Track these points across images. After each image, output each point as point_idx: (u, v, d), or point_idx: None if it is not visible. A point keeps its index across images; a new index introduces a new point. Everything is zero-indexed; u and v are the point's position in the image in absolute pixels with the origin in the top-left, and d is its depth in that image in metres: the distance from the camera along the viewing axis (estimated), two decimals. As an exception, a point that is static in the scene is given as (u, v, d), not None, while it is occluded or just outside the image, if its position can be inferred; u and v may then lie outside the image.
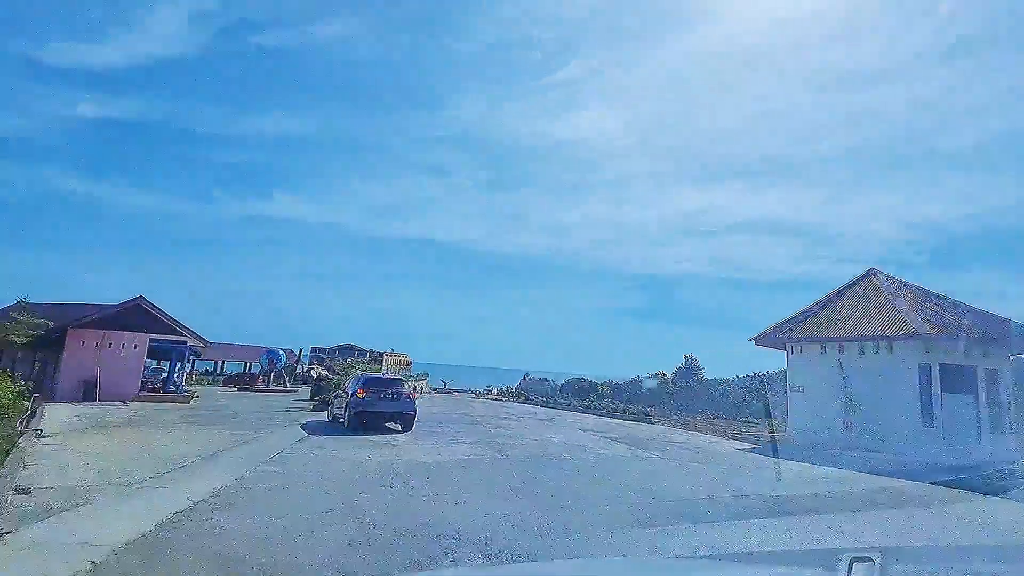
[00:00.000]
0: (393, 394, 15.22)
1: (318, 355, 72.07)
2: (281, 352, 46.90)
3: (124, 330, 23.22)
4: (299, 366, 53.63)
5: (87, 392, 21.90)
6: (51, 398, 21.51)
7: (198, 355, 32.03)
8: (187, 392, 26.17)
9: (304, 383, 46.95)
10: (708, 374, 34.57)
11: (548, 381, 48.41)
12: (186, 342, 24.77)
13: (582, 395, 36.28)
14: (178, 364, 27.30)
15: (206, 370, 50.71)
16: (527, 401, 37.00)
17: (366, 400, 14.87)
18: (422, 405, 20.60)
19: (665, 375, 36.25)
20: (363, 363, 67.08)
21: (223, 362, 57.50)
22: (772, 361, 32.95)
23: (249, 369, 54.68)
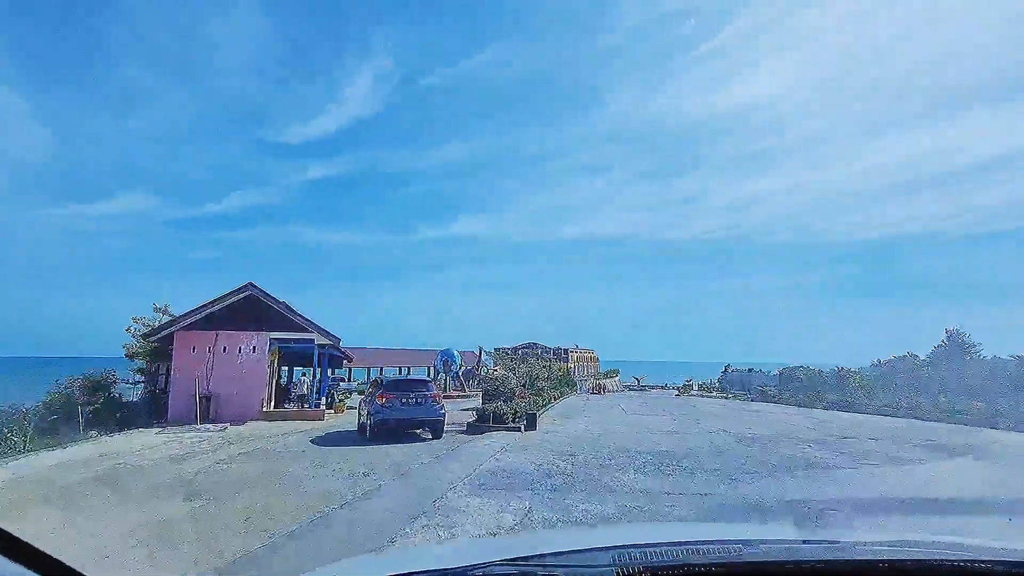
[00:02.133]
0: (418, 399, 13.68)
1: (501, 356, 67.03)
2: (457, 353, 41.55)
3: (241, 330, 18.11)
4: (480, 368, 48.07)
5: (202, 410, 17.05)
6: (164, 419, 17.05)
7: (347, 359, 26.94)
8: (322, 405, 20.45)
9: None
10: (986, 352, 26.95)
11: (756, 371, 42.17)
12: (313, 340, 18.83)
13: (802, 388, 30.47)
14: (317, 370, 21.85)
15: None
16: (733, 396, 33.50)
17: (387, 407, 13.32)
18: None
19: (917, 356, 29.75)
20: (547, 361, 59.94)
21: (408, 368, 55.72)
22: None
23: (429, 375, 51.24)
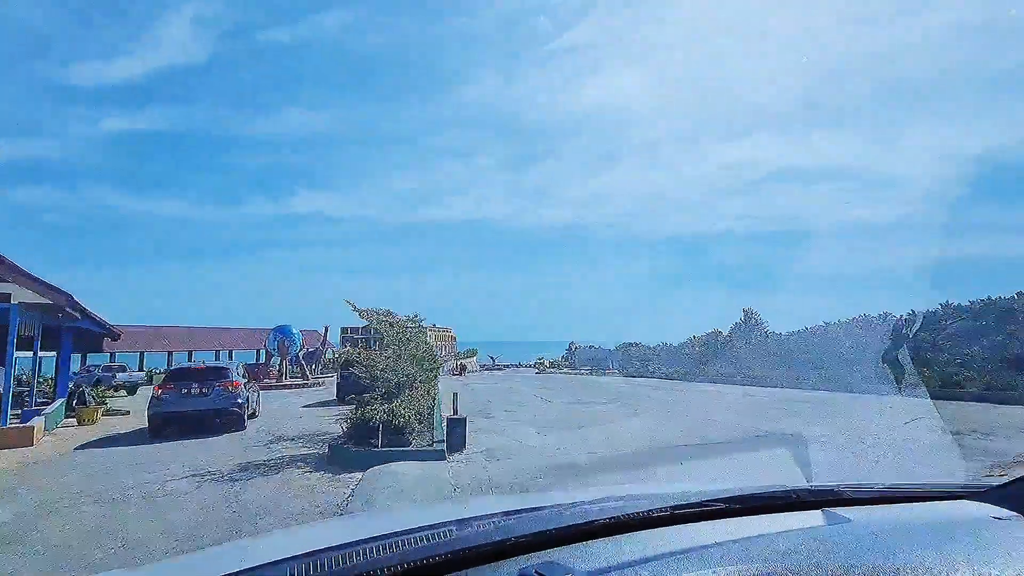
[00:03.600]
0: (204, 388, 11.71)
1: (350, 337, 57.78)
2: (296, 332, 32.71)
3: None
4: (326, 350, 39.25)
5: None
6: None
7: (109, 336, 17.35)
8: (38, 417, 11.72)
9: (335, 372, 33.84)
10: (773, 328, 32.55)
11: (596, 348, 47.09)
12: (8, 297, 10.12)
13: (634, 361, 37.77)
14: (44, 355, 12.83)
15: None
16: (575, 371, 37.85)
17: (166, 399, 11.52)
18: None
19: (720, 332, 34.97)
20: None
21: (230, 352, 44.23)
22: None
23: (261, 359, 41.31)
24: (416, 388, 10.95)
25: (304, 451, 9.23)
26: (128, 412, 15.68)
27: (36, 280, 10.03)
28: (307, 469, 7.78)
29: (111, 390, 26.58)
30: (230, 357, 43.34)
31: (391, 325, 11.59)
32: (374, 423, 8.33)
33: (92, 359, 31.23)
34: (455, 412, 9.45)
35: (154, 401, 11.46)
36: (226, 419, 11.58)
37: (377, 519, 2.30)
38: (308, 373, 31.99)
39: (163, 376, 12.18)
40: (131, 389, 26.69)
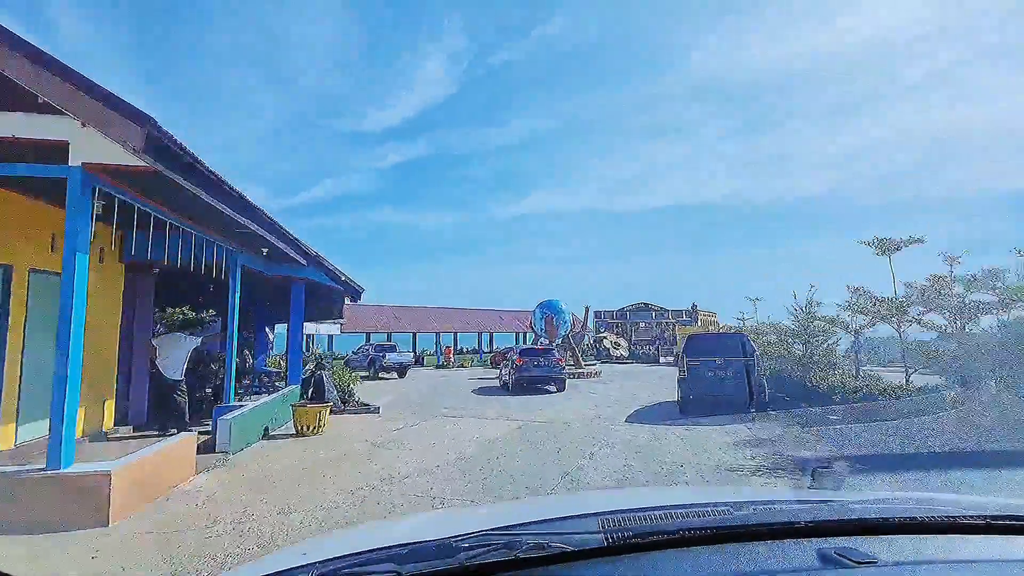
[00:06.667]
0: (546, 362, 16.18)
1: (604, 321, 51.28)
2: (564, 307, 26.83)
3: None
4: (585, 332, 32.81)
5: None
6: None
7: (349, 295, 12.53)
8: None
9: (597, 359, 30.16)
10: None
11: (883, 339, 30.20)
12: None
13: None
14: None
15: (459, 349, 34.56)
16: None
17: (524, 367, 15.92)
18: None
19: None
20: (684, 326, 46.15)
21: (491, 335, 42.01)
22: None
23: (519, 343, 37.43)
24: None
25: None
26: (379, 410, 10.82)
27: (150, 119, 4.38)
28: None
29: (382, 372, 24.74)
30: (491, 341, 40.60)
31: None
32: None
33: (356, 338, 30.69)
34: None
35: (516, 367, 15.87)
36: (559, 383, 16.02)
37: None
38: (580, 358, 25.84)
39: (518, 352, 16.81)
40: (401, 371, 24.17)
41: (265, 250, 7.74)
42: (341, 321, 30.55)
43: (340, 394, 10.68)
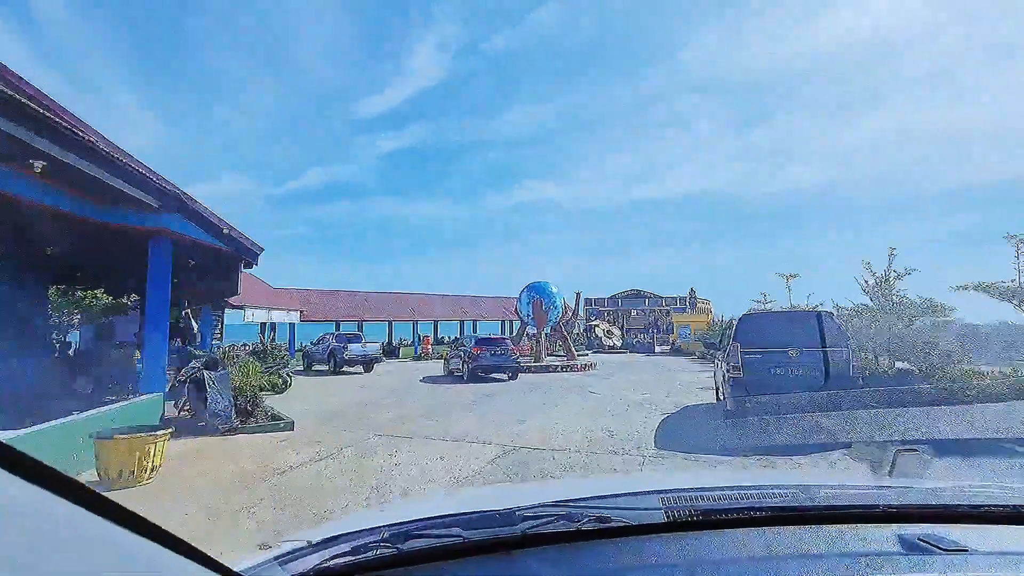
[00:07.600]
0: (500, 351, 17.06)
1: (595, 309, 48.21)
2: (555, 291, 23.61)
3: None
4: (575, 321, 29.58)
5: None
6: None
7: (248, 255, 9.27)
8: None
9: (588, 348, 30.03)
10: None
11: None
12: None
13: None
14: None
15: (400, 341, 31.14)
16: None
17: (480, 356, 16.60)
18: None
19: None
20: (680, 313, 44.26)
21: (474, 323, 38.82)
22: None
23: (505, 331, 34.30)
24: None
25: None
26: (292, 425, 7.60)
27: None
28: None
29: (344, 366, 20.97)
30: (475, 329, 37.41)
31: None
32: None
33: (320, 326, 27.16)
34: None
35: (471, 356, 16.89)
36: (512, 371, 17.10)
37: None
38: (572, 348, 22.81)
39: (473, 342, 17.52)
40: (367, 365, 20.74)
41: (38, 164, 4.48)
42: (300, 310, 27.13)
43: (242, 402, 7.53)
